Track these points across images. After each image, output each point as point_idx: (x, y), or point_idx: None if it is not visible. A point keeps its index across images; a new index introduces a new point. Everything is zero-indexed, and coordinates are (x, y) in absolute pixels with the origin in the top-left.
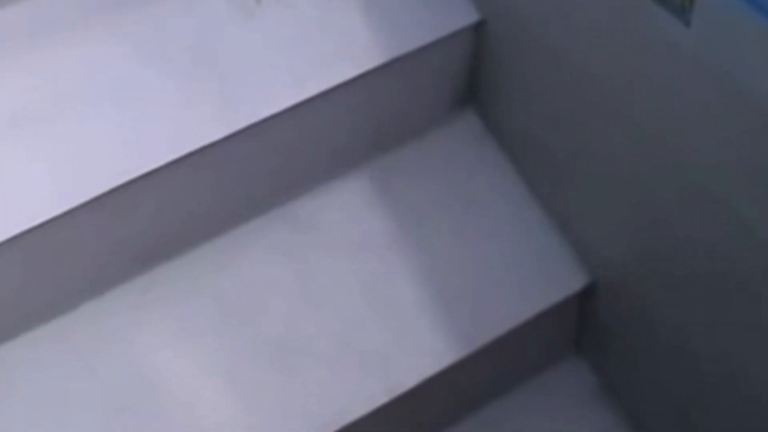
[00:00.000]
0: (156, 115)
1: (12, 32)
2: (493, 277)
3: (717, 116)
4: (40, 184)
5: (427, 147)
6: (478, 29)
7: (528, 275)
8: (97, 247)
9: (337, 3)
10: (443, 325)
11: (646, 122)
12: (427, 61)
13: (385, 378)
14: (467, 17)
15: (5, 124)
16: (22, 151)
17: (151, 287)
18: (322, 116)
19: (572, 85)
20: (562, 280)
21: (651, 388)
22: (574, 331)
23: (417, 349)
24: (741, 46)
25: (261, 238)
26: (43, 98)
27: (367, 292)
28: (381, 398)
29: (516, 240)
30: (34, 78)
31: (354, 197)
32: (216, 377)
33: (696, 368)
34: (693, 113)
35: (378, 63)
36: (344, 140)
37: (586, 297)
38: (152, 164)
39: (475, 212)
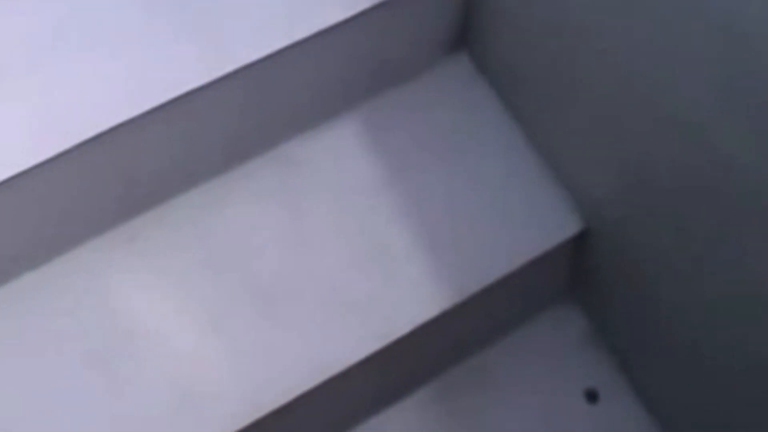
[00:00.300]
0: (142, 60)
1: None
2: (485, 222)
3: (694, 50)
4: (21, 132)
5: (419, 90)
6: None
7: (521, 221)
8: (80, 196)
9: None
10: (435, 271)
11: (631, 60)
12: (418, 3)
13: (375, 325)
14: None
15: None
16: (1, 97)
17: (137, 235)
18: (312, 59)
19: (563, 26)
20: (556, 226)
21: (643, 332)
22: (567, 277)
23: (408, 296)
24: None
25: (249, 183)
26: (25, 42)
27: (357, 238)
28: (372, 346)
29: (509, 185)
30: (15, 21)
31: (344, 140)
32: (201, 324)
33: (687, 309)
34: (673, 48)
35: (369, 5)
36: (335, 83)
37: (579, 242)
38: (137, 110)
39: (467, 156)
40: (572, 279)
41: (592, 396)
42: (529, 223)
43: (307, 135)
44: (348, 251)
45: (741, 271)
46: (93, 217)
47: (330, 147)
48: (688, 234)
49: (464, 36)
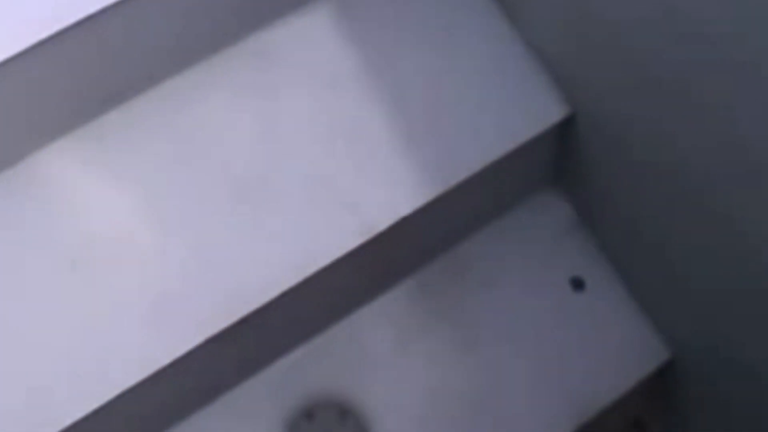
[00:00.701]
0: None
1: None
2: (468, 110)
3: None
4: None
5: None
6: None
7: (505, 108)
8: (46, 94)
9: None
10: (417, 162)
11: None
12: None
13: (357, 219)
14: None
15: None
16: None
17: (105, 134)
18: None
19: None
20: (541, 112)
21: (629, 219)
22: (551, 164)
23: (391, 188)
24: None
25: (221, 75)
26: None
27: (336, 130)
28: (353, 241)
29: (492, 72)
30: None
31: (319, 27)
32: (175, 223)
33: (674, 195)
34: None
35: None
36: None
37: (564, 129)
38: (100, 3)
39: (449, 43)
40: (556, 166)
41: (577, 284)
42: (513, 109)
43: (280, 23)
44: (326, 143)
45: (730, 151)
46: (60, 116)
47: (305, 35)
48: (676, 117)
49: None
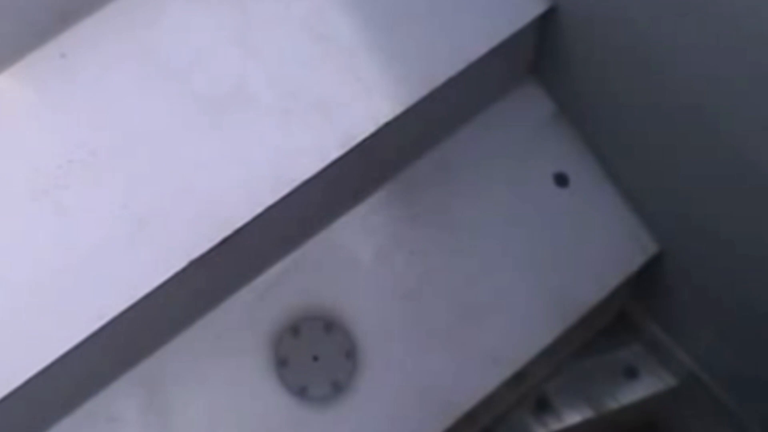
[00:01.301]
0: None
1: None
2: (447, 9)
3: None
4: None
5: None
6: None
7: (485, 3)
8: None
9: None
10: (396, 67)
11: None
12: None
13: (337, 129)
14: None
15: None
16: None
17: (69, 51)
18: None
19: None
20: (523, 5)
21: (611, 112)
22: (531, 58)
23: (370, 95)
24: None
25: None
26: None
27: (311, 37)
28: (333, 153)
29: None
30: None
31: None
32: (149, 142)
33: (656, 88)
34: None
35: None
36: None
37: (546, 21)
38: None
39: None
40: (537, 60)
41: (561, 180)
42: (493, 5)
43: None
44: (301, 52)
45: (712, 40)
46: (20, 33)
47: None
48: (659, 6)
49: None
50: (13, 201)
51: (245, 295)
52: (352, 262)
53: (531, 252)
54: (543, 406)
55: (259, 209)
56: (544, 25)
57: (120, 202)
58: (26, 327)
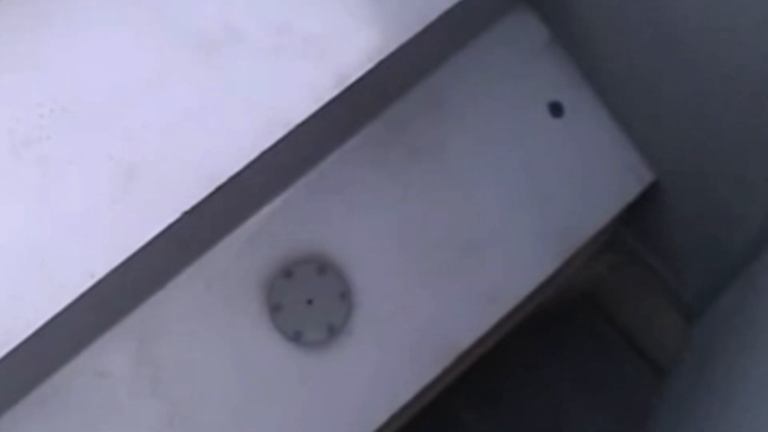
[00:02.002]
0: None
1: None
2: None
3: None
4: None
5: None
6: None
7: None
8: None
9: None
10: (390, 1)
11: None
12: None
13: (330, 69)
14: None
15: None
16: None
17: None
18: None
19: None
20: None
21: (606, 39)
22: None
23: (363, 32)
24: None
25: None
26: None
27: None
28: (327, 93)
29: None
30: None
31: None
32: (139, 87)
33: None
34: None
35: None
36: None
37: None
38: None
39: None
40: None
41: (556, 109)
42: None
43: None
44: None
45: None
46: None
47: None
48: None
49: None
50: None
51: (234, 240)
52: (344, 202)
53: (526, 184)
54: None
55: (254, 155)
56: None
57: (106, 152)
58: (10, 289)
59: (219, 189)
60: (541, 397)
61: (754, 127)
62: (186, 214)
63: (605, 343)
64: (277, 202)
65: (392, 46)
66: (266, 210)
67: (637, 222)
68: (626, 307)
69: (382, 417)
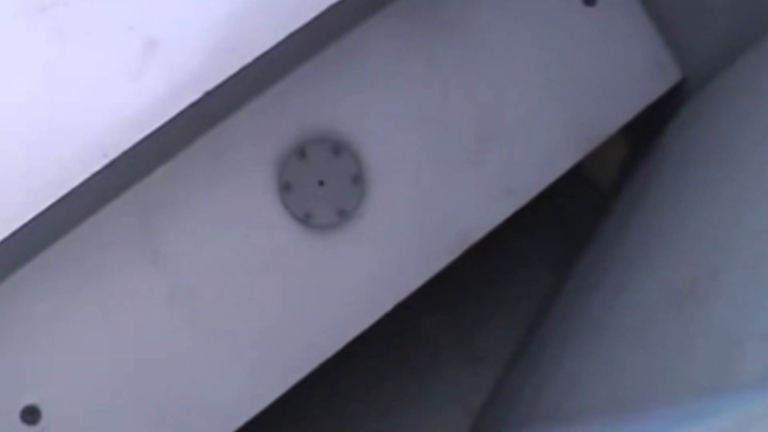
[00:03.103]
0: None
1: None
2: None
3: None
4: None
5: None
6: None
7: None
8: None
9: None
10: None
11: None
12: None
13: None
14: None
15: None
16: None
17: None
18: None
19: None
20: None
21: None
22: None
23: None
24: None
25: None
26: None
27: None
28: None
29: None
30: None
31: None
32: None
33: None
34: None
35: None
36: None
37: None
38: None
39: None
40: None
41: None
42: None
43: None
44: None
45: None
46: None
47: None
48: None
49: None
50: (4, 23)
51: (248, 114)
52: (365, 80)
53: (553, 74)
54: None
55: (282, 35)
56: None
57: (126, 22)
58: (23, 167)
59: (243, 69)
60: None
61: None
62: (207, 94)
63: None
64: (295, 77)
65: None
66: (283, 85)
67: None
68: None
69: (386, 305)
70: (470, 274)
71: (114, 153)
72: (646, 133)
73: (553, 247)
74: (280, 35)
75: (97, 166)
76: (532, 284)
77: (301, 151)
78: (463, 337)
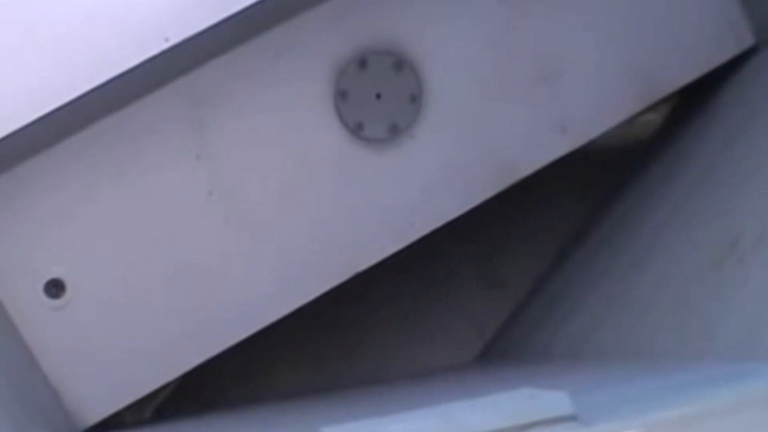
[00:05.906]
0: None
1: None
2: None
3: None
4: None
5: None
6: None
7: None
8: None
9: None
10: None
11: None
12: None
13: None
14: None
15: None
16: None
17: None
18: None
19: None
20: None
21: None
22: None
23: None
24: None
25: None
26: None
27: None
28: None
29: None
30: None
31: None
32: None
33: None
34: None
35: None
36: None
37: None
38: None
39: None
40: None
41: None
42: None
43: None
44: None
45: None
46: None
47: None
48: None
49: None
50: None
51: (313, 16)
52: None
53: (622, 23)
54: None
55: None
56: None
57: None
58: (90, 41)
59: None
60: None
61: None
62: None
63: None
64: None
65: None
66: None
67: None
68: None
69: (426, 227)
70: (500, 206)
71: (176, 38)
72: (698, 84)
73: (588, 187)
74: None
75: (158, 49)
76: (561, 220)
77: (362, 61)
78: (485, 264)
